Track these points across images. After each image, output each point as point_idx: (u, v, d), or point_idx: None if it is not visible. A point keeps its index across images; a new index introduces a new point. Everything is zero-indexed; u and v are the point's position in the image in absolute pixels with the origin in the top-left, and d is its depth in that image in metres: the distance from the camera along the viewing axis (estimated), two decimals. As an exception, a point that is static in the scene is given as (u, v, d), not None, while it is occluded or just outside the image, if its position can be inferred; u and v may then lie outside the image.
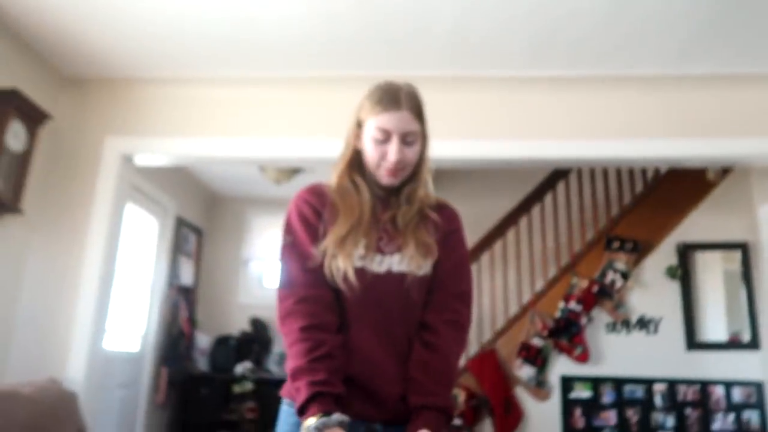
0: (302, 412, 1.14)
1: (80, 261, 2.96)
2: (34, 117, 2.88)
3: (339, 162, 1.36)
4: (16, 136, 2.79)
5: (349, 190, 1.32)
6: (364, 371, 1.20)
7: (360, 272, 1.22)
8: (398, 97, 1.29)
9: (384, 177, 1.30)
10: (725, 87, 3.09)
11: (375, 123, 1.28)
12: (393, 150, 1.27)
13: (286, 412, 1.25)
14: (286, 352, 1.22)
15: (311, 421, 1.11)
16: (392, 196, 1.35)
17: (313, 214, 1.30)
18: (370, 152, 1.30)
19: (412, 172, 1.34)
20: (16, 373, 2.80)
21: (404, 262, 1.26)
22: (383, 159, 1.28)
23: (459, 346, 1.29)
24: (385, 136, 1.28)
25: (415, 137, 1.30)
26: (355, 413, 1.18)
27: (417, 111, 1.31)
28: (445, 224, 1.34)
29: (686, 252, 4.18)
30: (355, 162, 1.34)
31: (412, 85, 1.35)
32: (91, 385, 2.86)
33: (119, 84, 3.23)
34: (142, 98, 3.21)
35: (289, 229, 1.30)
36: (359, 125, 1.33)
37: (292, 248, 1.27)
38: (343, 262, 1.21)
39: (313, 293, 1.23)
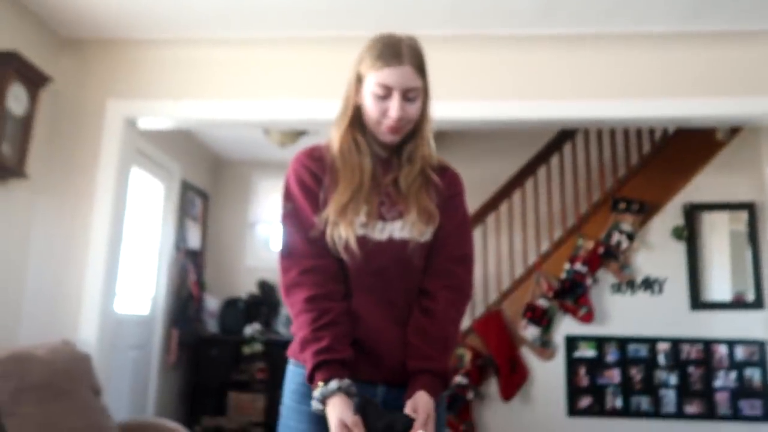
0: (311, 381, 1.16)
1: (88, 224, 2.98)
2: (34, 80, 2.85)
3: (340, 120, 1.32)
4: (17, 99, 2.77)
5: (351, 151, 1.28)
6: (367, 337, 1.20)
7: (362, 240, 1.21)
8: (400, 51, 1.25)
9: (384, 134, 1.27)
10: (735, 44, 3.01)
11: (375, 78, 1.24)
12: (394, 107, 1.24)
13: (292, 371, 1.26)
14: (292, 321, 1.24)
15: (316, 393, 1.14)
16: (393, 156, 1.32)
17: (313, 180, 1.27)
18: (370, 108, 1.26)
19: (413, 130, 1.31)
20: (29, 337, 2.85)
21: (406, 228, 1.24)
22: (384, 116, 1.25)
23: (458, 312, 1.28)
24: (386, 92, 1.24)
25: (417, 93, 1.26)
26: (357, 376, 1.19)
27: (419, 66, 1.27)
28: (446, 188, 1.32)
29: (693, 213, 4.16)
30: (357, 119, 1.30)
31: (414, 38, 1.30)
32: (103, 346, 2.91)
33: (120, 45, 3.18)
34: (144, 60, 3.17)
35: (288, 196, 1.28)
36: (359, 80, 1.29)
37: (294, 216, 1.26)
38: (344, 231, 1.20)
39: (317, 264, 1.22)
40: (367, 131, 1.31)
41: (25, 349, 2.35)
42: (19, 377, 2.11)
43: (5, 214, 2.83)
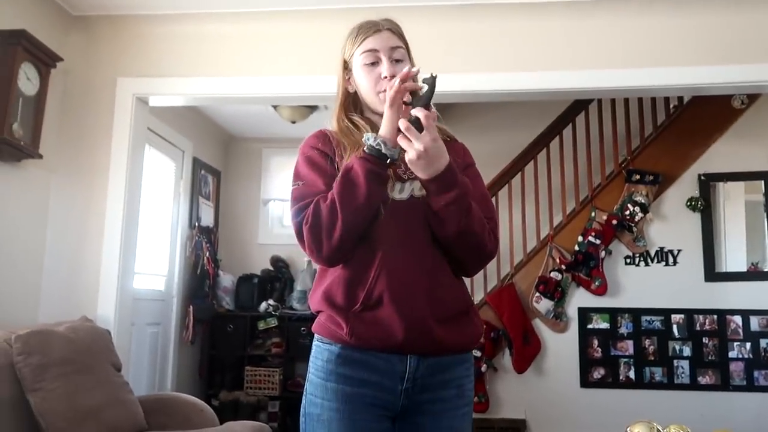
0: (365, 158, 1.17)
1: (103, 202, 3.00)
2: (44, 59, 2.84)
3: (335, 109, 1.36)
4: (28, 79, 2.77)
5: (351, 129, 1.31)
6: (400, 291, 1.17)
7: (383, 202, 1.20)
8: (375, 22, 1.32)
9: (383, 102, 1.24)
10: (752, 10, 2.93)
11: (360, 50, 1.29)
12: (385, 67, 1.27)
13: (317, 347, 1.24)
14: (326, 237, 1.16)
15: (368, 137, 1.17)
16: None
17: (321, 156, 1.27)
18: (364, 82, 1.30)
19: None
20: (48, 315, 2.90)
21: None
22: (378, 82, 1.28)
23: (490, 239, 1.27)
24: (374, 58, 1.28)
25: (403, 55, 1.31)
26: (386, 344, 1.17)
27: (398, 31, 1.34)
28: (458, 157, 1.31)
29: (708, 183, 4.12)
30: (349, 103, 1.35)
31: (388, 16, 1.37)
32: (122, 323, 2.96)
33: (129, 22, 3.16)
34: (153, 37, 3.15)
35: (297, 176, 1.27)
36: (346, 67, 1.34)
37: (303, 189, 1.24)
38: None
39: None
40: (366, 113, 1.35)
41: (46, 326, 2.40)
42: (41, 353, 2.15)
43: (22, 194, 2.86)
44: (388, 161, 1.17)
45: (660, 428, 1.56)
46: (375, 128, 1.27)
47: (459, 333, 1.23)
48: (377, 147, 1.15)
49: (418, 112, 1.13)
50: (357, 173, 1.15)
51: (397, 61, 1.29)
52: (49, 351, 2.19)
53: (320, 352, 1.23)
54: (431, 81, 1.17)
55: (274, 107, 4.18)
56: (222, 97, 3.22)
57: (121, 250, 2.97)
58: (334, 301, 1.20)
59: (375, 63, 1.28)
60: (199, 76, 3.11)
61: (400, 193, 1.23)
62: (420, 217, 1.21)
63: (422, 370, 1.19)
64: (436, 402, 1.21)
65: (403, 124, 1.13)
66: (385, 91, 1.24)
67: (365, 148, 1.17)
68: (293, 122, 4.32)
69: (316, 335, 1.26)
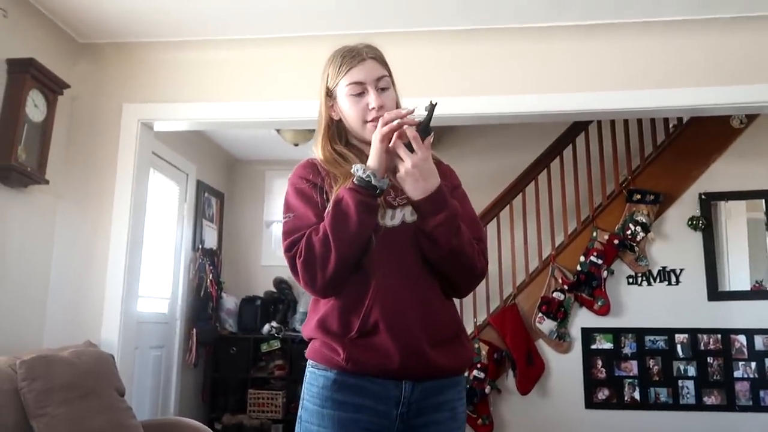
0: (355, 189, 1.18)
1: (108, 227, 3.03)
2: (52, 86, 2.90)
3: (317, 138, 1.36)
4: (35, 106, 2.82)
5: (338, 160, 1.31)
6: (394, 318, 1.18)
7: (375, 229, 1.22)
8: (358, 51, 1.32)
9: (372, 131, 1.26)
10: (750, 31, 2.98)
11: (346, 81, 1.29)
12: (372, 98, 1.28)
13: (312, 374, 1.24)
14: (318, 268, 1.18)
15: (357, 169, 1.18)
16: None
17: (312, 189, 1.28)
18: (350, 112, 1.30)
19: None
20: (53, 338, 2.91)
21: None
22: (366, 112, 1.28)
23: (480, 258, 1.29)
24: (360, 89, 1.29)
25: (388, 83, 1.32)
26: (382, 369, 1.18)
27: (381, 58, 1.34)
28: (445, 179, 1.32)
29: (709, 202, 4.13)
30: (333, 131, 1.35)
31: (369, 42, 1.37)
32: (125, 347, 2.97)
33: (134, 49, 3.22)
34: (158, 63, 3.21)
35: (287, 208, 1.28)
36: (329, 95, 1.34)
37: (295, 222, 1.25)
38: None
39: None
40: (352, 141, 1.35)
41: (51, 351, 2.41)
42: (45, 379, 2.16)
43: (28, 218, 2.89)
44: (377, 192, 1.18)
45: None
46: (362, 156, 1.29)
47: (452, 356, 1.24)
48: (367, 179, 1.16)
49: (413, 133, 1.17)
50: (348, 205, 1.17)
51: (383, 89, 1.30)
52: (53, 376, 2.20)
53: (315, 378, 1.22)
54: (430, 108, 1.20)
55: (277, 130, 4.23)
56: (225, 121, 3.26)
57: (125, 274, 2.99)
58: (330, 328, 1.20)
59: (361, 94, 1.29)
60: (202, 101, 3.16)
61: (391, 219, 1.25)
62: (412, 242, 1.23)
63: (417, 394, 1.20)
64: (429, 425, 1.22)
65: (397, 143, 1.18)
66: (373, 120, 1.26)
67: (355, 180, 1.18)
68: (296, 145, 4.36)
69: (310, 361, 1.26)
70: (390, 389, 1.19)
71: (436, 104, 1.20)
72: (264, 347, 4.64)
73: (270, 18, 3.01)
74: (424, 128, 1.19)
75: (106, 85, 3.21)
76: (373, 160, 1.19)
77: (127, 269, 3.00)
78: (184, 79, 3.19)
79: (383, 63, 1.34)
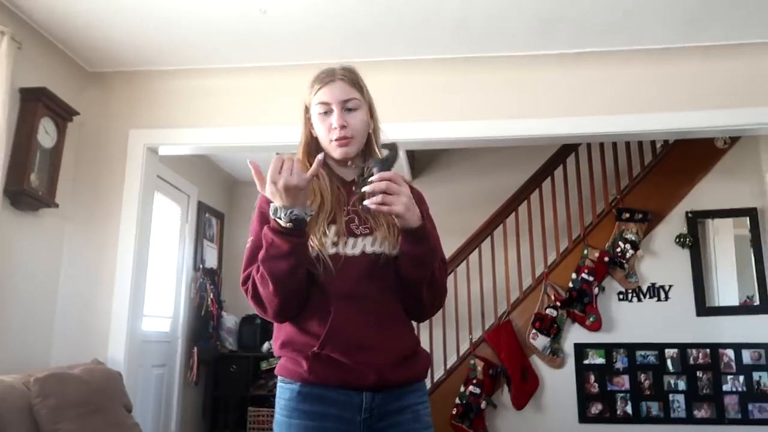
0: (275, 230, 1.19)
1: (114, 248, 3.14)
2: (62, 114, 3.02)
3: (298, 152, 1.39)
4: (46, 132, 2.94)
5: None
6: (350, 345, 1.24)
7: (335, 257, 1.26)
8: (332, 72, 1.36)
9: (335, 149, 1.33)
10: (730, 57, 3.14)
11: (315, 100, 1.34)
12: (335, 117, 1.32)
13: (280, 387, 1.30)
14: (261, 301, 1.25)
15: (272, 208, 1.18)
16: (358, 179, 1.38)
17: None
18: (319, 129, 1.34)
19: (366, 147, 1.38)
20: (60, 357, 3.00)
21: (377, 242, 1.30)
22: (330, 131, 1.32)
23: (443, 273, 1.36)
24: (326, 108, 1.32)
25: (357, 104, 1.34)
26: (343, 382, 1.24)
27: (352, 80, 1.36)
28: (420, 205, 1.35)
29: (696, 220, 4.27)
30: (312, 147, 1.38)
31: (349, 65, 1.41)
32: (131, 365, 3.05)
33: (140, 77, 3.36)
34: (163, 90, 3.34)
35: (251, 230, 1.34)
36: (306, 111, 1.38)
37: (253, 248, 1.29)
38: (315, 246, 1.25)
39: None
40: (326, 158, 1.36)
41: (63, 369, 2.50)
42: (59, 395, 2.25)
43: (38, 242, 2.99)
44: (292, 228, 1.18)
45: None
46: (332, 173, 1.36)
47: (408, 371, 1.31)
48: (278, 220, 1.18)
49: (380, 176, 1.20)
50: (272, 249, 1.20)
51: (350, 110, 1.33)
52: (66, 393, 2.29)
53: (283, 392, 1.28)
54: (393, 147, 1.29)
55: (277, 153, 4.34)
56: (227, 146, 3.39)
57: (131, 294, 3.09)
58: (293, 347, 1.28)
59: (327, 113, 1.33)
60: (205, 126, 3.29)
61: (352, 248, 1.28)
62: (370, 271, 1.28)
63: (378, 401, 1.27)
64: (393, 426, 1.28)
65: (369, 189, 1.19)
66: (337, 140, 1.31)
67: (274, 218, 1.19)
68: (295, 166, 4.48)
69: (278, 377, 1.32)
70: (352, 397, 1.25)
71: (397, 146, 1.28)
72: (263, 365, 4.72)
73: (269, 47, 3.14)
74: (389, 167, 1.25)
75: (114, 111, 3.33)
76: (276, 201, 1.19)
77: (133, 289, 3.10)
78: (188, 105, 3.31)
79: (355, 85, 1.36)
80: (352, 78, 1.37)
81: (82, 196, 3.23)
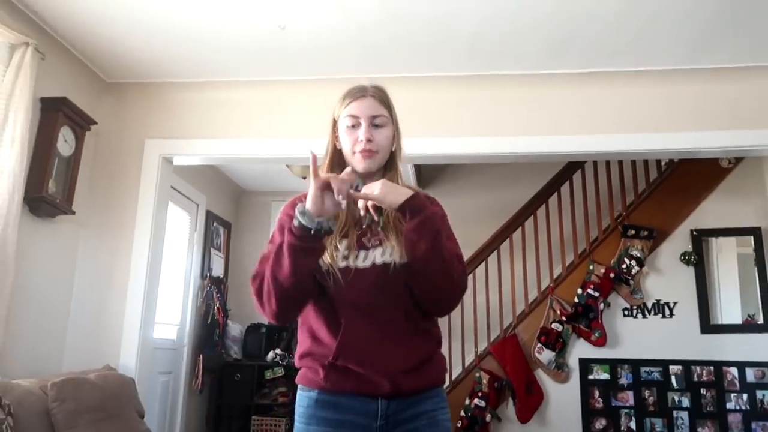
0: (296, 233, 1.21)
1: (128, 256, 3.18)
2: (81, 123, 3.08)
3: (322, 163, 1.42)
4: (65, 141, 3.00)
5: None
6: (362, 355, 1.28)
7: (345, 271, 1.29)
8: (363, 88, 1.41)
9: (359, 161, 1.36)
10: (736, 79, 3.20)
11: (345, 113, 1.38)
12: (363, 130, 1.36)
13: (300, 395, 1.35)
14: (267, 305, 1.28)
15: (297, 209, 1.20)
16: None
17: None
18: (345, 142, 1.38)
19: (387, 163, 1.42)
20: (72, 363, 3.03)
21: (386, 253, 1.32)
22: (356, 143, 1.36)
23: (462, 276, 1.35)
24: (355, 121, 1.37)
25: (385, 121, 1.39)
26: (358, 390, 1.27)
27: (382, 99, 1.41)
28: (433, 205, 1.39)
29: (700, 238, 4.31)
30: (336, 161, 1.42)
31: (380, 84, 1.46)
32: (142, 372, 3.08)
33: (156, 88, 3.42)
34: (178, 101, 3.40)
35: (271, 241, 1.38)
36: (334, 124, 1.43)
37: (268, 253, 1.32)
38: (325, 262, 1.29)
39: None
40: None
41: (78, 374, 2.53)
42: (75, 400, 2.28)
43: (53, 248, 3.03)
44: (313, 232, 1.21)
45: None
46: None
47: (422, 378, 1.32)
48: (298, 219, 1.20)
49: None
50: (282, 246, 1.23)
51: (377, 126, 1.37)
52: (82, 398, 2.32)
53: (301, 399, 1.33)
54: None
55: (287, 165, 4.40)
56: (240, 157, 3.44)
57: (143, 301, 3.13)
58: (312, 357, 1.32)
59: (355, 126, 1.37)
60: (219, 137, 3.34)
61: (363, 261, 1.32)
62: (380, 283, 1.30)
63: (393, 407, 1.29)
64: None
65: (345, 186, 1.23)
66: (361, 152, 1.35)
67: (294, 222, 1.21)
68: (304, 178, 4.54)
69: (298, 385, 1.36)
70: (368, 404, 1.28)
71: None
72: (268, 374, 4.74)
73: (285, 62, 3.21)
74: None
75: (130, 121, 3.39)
76: (308, 201, 1.21)
77: (146, 296, 3.14)
78: (203, 116, 3.37)
79: (384, 103, 1.41)
80: (381, 96, 1.42)
81: (97, 204, 3.27)
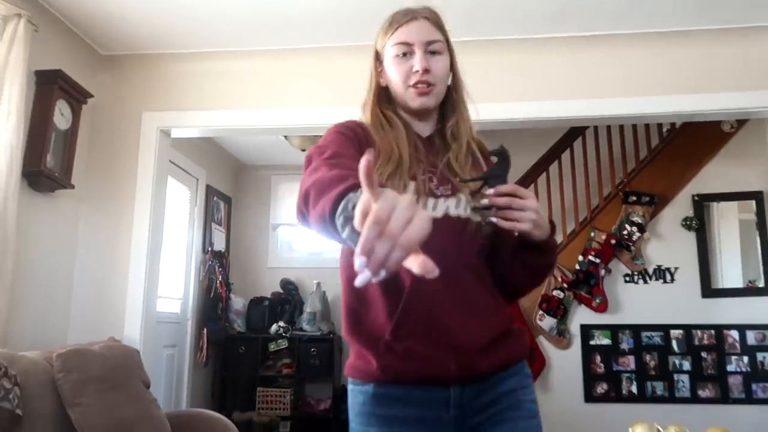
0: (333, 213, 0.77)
1: (129, 229, 3.18)
2: (77, 96, 3.05)
3: (366, 102, 1.22)
4: (62, 114, 2.97)
5: (384, 126, 1.16)
6: (434, 321, 1.05)
7: None
8: (412, 10, 1.19)
9: (414, 98, 1.15)
10: (739, 41, 3.15)
11: (393, 41, 1.16)
12: (417, 59, 1.14)
13: (352, 391, 1.12)
14: (313, 219, 0.84)
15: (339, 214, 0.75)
16: (436, 136, 1.21)
17: (352, 133, 1.12)
18: (395, 75, 1.16)
19: (448, 100, 1.21)
20: (77, 337, 3.05)
21: (461, 205, 1.10)
22: (409, 76, 1.14)
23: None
24: (407, 49, 1.15)
25: (441, 48, 1.17)
26: (422, 376, 1.05)
27: (436, 21, 1.19)
28: (488, 163, 1.22)
29: (702, 203, 4.30)
30: (383, 97, 1.21)
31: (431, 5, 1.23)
32: (146, 344, 3.11)
33: (153, 60, 3.38)
34: (175, 73, 3.36)
35: (320, 151, 1.03)
36: (378, 58, 1.22)
37: (333, 148, 1.03)
38: None
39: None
40: (399, 111, 1.20)
41: (83, 345, 2.55)
42: (80, 370, 2.30)
43: (54, 222, 3.03)
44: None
45: (660, 428, 1.71)
46: (408, 128, 1.17)
47: (503, 354, 1.10)
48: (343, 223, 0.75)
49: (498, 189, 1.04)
50: (324, 208, 0.81)
51: (433, 53, 1.15)
52: (87, 368, 2.34)
53: (355, 396, 1.11)
54: (503, 153, 1.09)
55: (285, 136, 4.38)
56: (238, 128, 3.42)
57: (146, 274, 3.14)
58: (361, 331, 1.09)
59: (407, 54, 1.15)
60: (217, 108, 3.31)
61: (433, 209, 1.09)
62: (456, 237, 1.08)
63: (469, 394, 1.07)
64: (490, 420, 1.07)
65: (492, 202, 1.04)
66: (415, 85, 1.13)
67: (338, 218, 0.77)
68: (303, 150, 4.51)
69: (349, 379, 1.14)
70: (436, 393, 1.06)
71: (504, 148, 1.10)
72: (272, 346, 4.78)
73: (281, 30, 3.16)
74: (503, 178, 1.08)
75: (127, 94, 3.36)
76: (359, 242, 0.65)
77: (148, 269, 3.14)
78: (200, 88, 3.34)
79: (439, 26, 1.19)
80: (435, 19, 1.20)
81: (96, 178, 3.26)
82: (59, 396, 2.26)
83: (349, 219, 0.72)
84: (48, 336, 2.95)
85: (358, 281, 0.61)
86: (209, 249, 4.78)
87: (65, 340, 3.06)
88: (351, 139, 1.10)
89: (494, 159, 1.13)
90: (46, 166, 2.81)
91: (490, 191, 1.06)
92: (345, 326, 1.12)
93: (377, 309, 1.07)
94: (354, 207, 0.70)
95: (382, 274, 0.61)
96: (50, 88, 2.85)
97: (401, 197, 0.62)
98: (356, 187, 0.78)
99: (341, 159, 0.99)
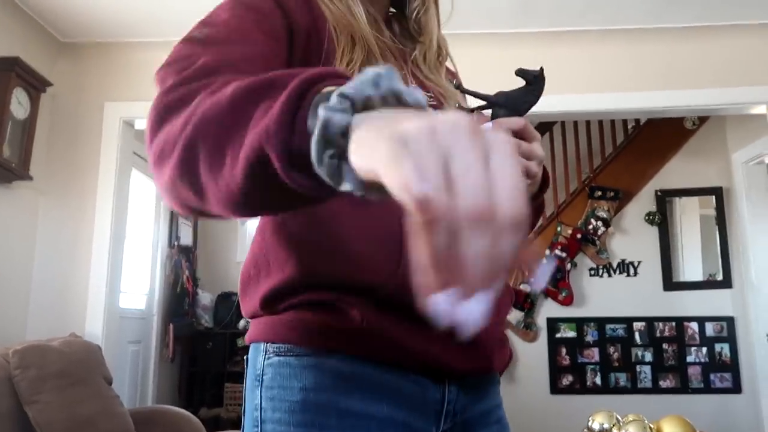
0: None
1: (91, 223, 3.09)
2: (35, 84, 2.95)
3: None
4: (19, 103, 2.87)
5: (346, 17, 0.77)
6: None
7: None
8: None
9: None
10: (702, 39, 3.23)
11: None
12: None
13: (281, 365, 0.72)
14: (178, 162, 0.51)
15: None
16: (394, 22, 0.90)
17: (275, 8, 0.72)
18: None
19: None
20: (36, 332, 2.96)
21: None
22: None
23: None
24: None
25: None
26: (424, 356, 0.70)
27: None
28: (453, 76, 0.97)
29: (664, 198, 4.40)
30: None
31: None
32: (109, 340, 3.04)
33: (115, 48, 3.29)
34: (139, 63, 3.28)
35: (202, 36, 0.66)
36: None
37: (211, 32, 0.67)
38: None
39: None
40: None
41: (41, 341, 2.48)
42: (38, 366, 2.24)
43: (11, 215, 2.93)
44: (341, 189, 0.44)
45: (619, 417, 1.74)
46: (367, 13, 0.80)
47: (507, 352, 0.88)
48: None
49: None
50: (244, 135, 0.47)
51: None
52: (46, 364, 2.28)
53: (293, 375, 0.70)
54: (533, 77, 0.84)
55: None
56: (206, 119, 3.35)
57: (108, 269, 3.06)
58: (319, 290, 0.71)
59: None
60: (184, 99, 3.24)
61: None
62: None
63: (462, 400, 0.77)
64: None
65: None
66: None
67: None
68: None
69: (271, 345, 0.73)
70: (429, 390, 0.73)
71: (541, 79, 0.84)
72: (240, 342, 4.72)
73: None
74: (524, 107, 0.81)
75: (88, 83, 3.26)
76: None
77: (110, 264, 3.07)
78: (165, 78, 3.26)
79: None
80: None
81: (56, 170, 3.17)
82: (17, 393, 2.19)
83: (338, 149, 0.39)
84: (5, 331, 2.86)
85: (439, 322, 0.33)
86: (175, 243, 4.69)
87: (24, 336, 2.97)
88: (264, 10, 0.70)
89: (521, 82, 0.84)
90: (2, 156, 2.72)
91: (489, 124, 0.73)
92: (277, 282, 0.72)
93: (354, 247, 0.69)
94: (344, 130, 0.39)
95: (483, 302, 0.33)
96: (7, 75, 2.75)
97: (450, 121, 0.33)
98: (319, 79, 0.44)
99: (234, 47, 0.62)
